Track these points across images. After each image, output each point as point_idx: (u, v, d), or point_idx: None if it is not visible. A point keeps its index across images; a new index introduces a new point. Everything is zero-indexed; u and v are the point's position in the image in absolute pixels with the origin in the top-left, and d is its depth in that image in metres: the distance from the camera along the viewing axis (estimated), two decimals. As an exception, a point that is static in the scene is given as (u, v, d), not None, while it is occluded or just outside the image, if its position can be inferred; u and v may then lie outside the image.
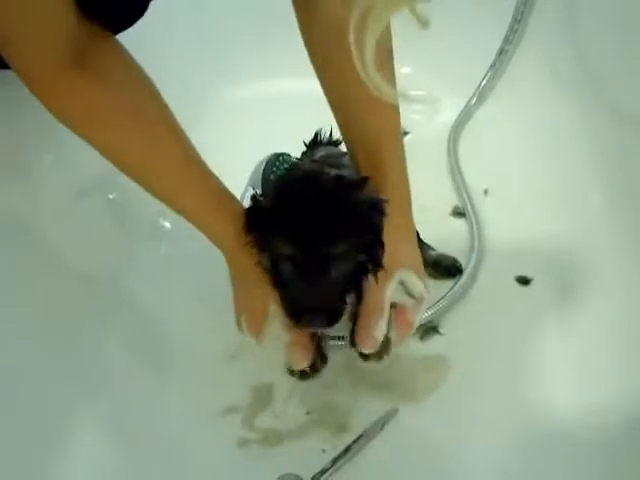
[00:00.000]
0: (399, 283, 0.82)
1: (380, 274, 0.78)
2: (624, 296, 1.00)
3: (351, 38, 0.55)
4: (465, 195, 1.21)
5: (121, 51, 0.76)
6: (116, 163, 0.77)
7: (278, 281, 0.78)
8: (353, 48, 0.56)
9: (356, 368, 0.96)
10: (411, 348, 0.99)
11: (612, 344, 0.97)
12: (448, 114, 1.39)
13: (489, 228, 1.16)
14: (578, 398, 0.91)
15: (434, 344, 1.01)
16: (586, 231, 1.11)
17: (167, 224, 1.19)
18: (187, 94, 1.26)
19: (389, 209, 0.77)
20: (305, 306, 0.76)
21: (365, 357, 0.86)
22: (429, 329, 1.02)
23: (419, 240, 0.99)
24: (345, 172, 0.82)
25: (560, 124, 1.28)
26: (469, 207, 1.19)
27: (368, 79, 0.59)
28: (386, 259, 0.78)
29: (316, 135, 1.05)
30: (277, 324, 0.80)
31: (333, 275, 0.74)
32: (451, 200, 1.23)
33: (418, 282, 0.83)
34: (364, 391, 0.96)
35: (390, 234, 0.78)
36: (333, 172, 0.77)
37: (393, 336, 0.84)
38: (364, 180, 0.76)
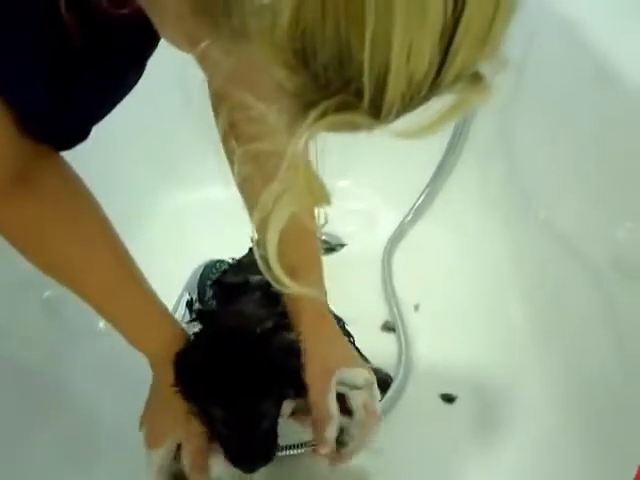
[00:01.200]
0: (341, 383, 0.85)
1: (318, 386, 0.83)
2: (541, 425, 1.03)
3: (254, 234, 0.54)
4: (396, 310, 1.24)
5: (62, 165, 0.77)
6: (51, 273, 0.78)
7: (213, 432, 0.82)
8: (254, 247, 0.55)
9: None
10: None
11: (531, 467, 0.99)
12: (385, 228, 1.43)
13: (418, 344, 1.19)
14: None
15: (359, 457, 1.02)
16: (510, 354, 1.15)
17: (101, 324, 1.18)
18: (130, 198, 1.29)
19: (308, 318, 0.83)
20: (243, 456, 0.81)
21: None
22: (354, 443, 1.03)
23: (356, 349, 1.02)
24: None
25: (491, 242, 1.34)
26: (399, 322, 1.22)
27: (272, 279, 0.55)
28: (319, 369, 0.83)
29: (250, 250, 1.08)
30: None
31: (263, 427, 0.79)
32: (382, 314, 1.26)
33: (357, 372, 0.86)
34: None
35: (316, 344, 0.83)
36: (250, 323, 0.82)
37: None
38: (278, 325, 0.82)
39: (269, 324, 0.82)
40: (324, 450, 0.84)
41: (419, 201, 1.45)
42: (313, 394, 0.84)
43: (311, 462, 0.97)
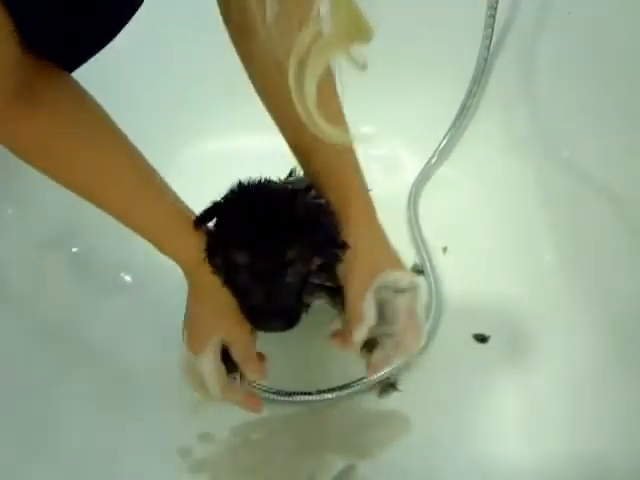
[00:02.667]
0: (385, 287, 0.85)
1: (357, 286, 0.83)
2: (577, 355, 1.03)
3: (291, 85, 0.56)
4: (424, 253, 1.23)
5: (69, 79, 0.75)
6: (69, 186, 0.77)
7: (236, 290, 0.81)
8: (294, 96, 0.57)
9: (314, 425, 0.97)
10: (369, 404, 1.00)
11: (565, 402, 0.99)
12: (409, 173, 1.41)
13: (447, 286, 1.18)
14: (533, 453, 0.93)
15: (392, 401, 1.02)
16: (541, 289, 1.15)
17: (128, 278, 1.19)
18: (151, 148, 1.28)
19: (356, 222, 0.83)
20: (265, 312, 0.79)
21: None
22: (387, 386, 1.03)
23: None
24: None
25: (515, 183, 1.32)
26: (428, 265, 1.21)
27: (313, 126, 0.59)
28: (362, 270, 0.83)
29: (291, 173, 1.06)
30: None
31: (288, 279, 0.77)
32: (410, 258, 1.25)
33: (402, 275, 0.86)
34: (322, 448, 0.96)
35: (361, 244, 0.83)
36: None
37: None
38: (309, 187, 0.81)
39: (302, 185, 0.82)
40: (348, 347, 0.86)
41: (442, 144, 1.42)
42: (351, 294, 0.85)
43: (345, 408, 0.98)
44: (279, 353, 0.93)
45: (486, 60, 1.36)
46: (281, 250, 0.75)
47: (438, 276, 1.20)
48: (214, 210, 0.80)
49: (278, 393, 1.00)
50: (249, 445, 0.96)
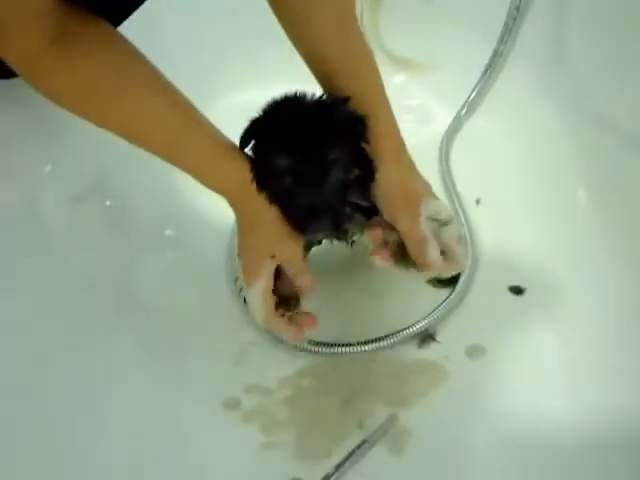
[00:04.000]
0: (429, 219, 0.88)
1: (408, 212, 0.86)
2: (615, 305, 1.03)
3: None
4: (458, 204, 1.23)
5: (107, 27, 0.76)
6: (112, 129, 0.79)
7: (282, 198, 0.84)
8: None
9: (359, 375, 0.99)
10: (409, 355, 1.02)
11: (604, 352, 0.99)
12: (440, 124, 1.40)
13: (482, 238, 1.18)
14: (572, 404, 0.94)
15: (431, 352, 1.03)
16: (575, 240, 1.14)
17: (170, 232, 1.20)
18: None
19: (388, 148, 0.87)
20: (312, 213, 0.83)
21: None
22: (426, 337, 1.04)
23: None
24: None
25: (546, 135, 1.31)
26: (462, 216, 1.21)
27: None
28: (404, 198, 0.86)
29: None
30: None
31: (332, 180, 0.80)
32: (444, 210, 1.25)
33: (442, 207, 0.90)
34: (368, 397, 0.97)
35: (399, 176, 0.87)
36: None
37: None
38: (346, 99, 0.82)
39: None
40: (433, 271, 0.88)
41: (472, 95, 1.41)
42: (403, 223, 0.87)
43: (386, 359, 1.00)
44: (324, 308, 0.96)
45: (518, 9, 1.35)
46: (323, 151, 0.79)
47: (472, 227, 1.20)
48: (254, 126, 0.82)
49: (322, 345, 1.01)
50: (298, 394, 0.98)
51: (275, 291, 0.90)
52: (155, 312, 1.08)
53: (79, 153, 1.13)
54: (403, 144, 0.91)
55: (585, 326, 1.02)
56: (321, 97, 0.82)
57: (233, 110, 1.38)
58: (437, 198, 0.92)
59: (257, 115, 0.81)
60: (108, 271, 1.09)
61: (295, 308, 0.92)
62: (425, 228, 0.86)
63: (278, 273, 0.90)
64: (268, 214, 0.85)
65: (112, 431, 0.92)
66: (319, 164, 0.80)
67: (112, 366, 0.98)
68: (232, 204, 0.87)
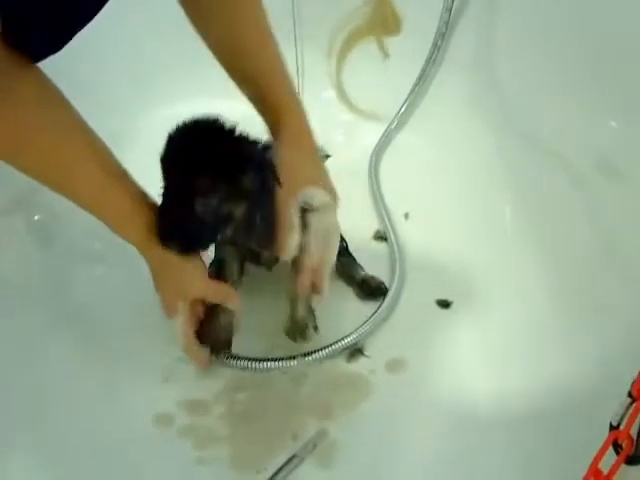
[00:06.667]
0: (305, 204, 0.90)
1: (284, 195, 0.88)
2: (538, 316, 1.06)
3: None
4: (386, 219, 1.25)
5: (39, 74, 0.76)
6: (37, 179, 0.81)
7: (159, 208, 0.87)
8: None
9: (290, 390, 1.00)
10: (339, 369, 1.03)
11: (527, 355, 1.01)
12: (369, 138, 1.43)
13: (410, 252, 1.20)
14: (494, 408, 0.96)
15: (359, 365, 1.05)
16: (500, 254, 1.17)
17: (99, 246, 1.19)
18: (119, 113, 1.29)
19: (286, 132, 0.90)
20: (172, 228, 0.85)
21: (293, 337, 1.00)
22: (354, 351, 1.05)
23: (350, 255, 1.14)
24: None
25: (474, 149, 1.35)
26: (390, 231, 1.22)
27: None
28: (288, 182, 0.87)
29: None
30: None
31: (197, 208, 0.82)
32: (373, 223, 1.27)
33: (317, 193, 0.91)
34: (300, 410, 0.98)
35: (292, 157, 0.89)
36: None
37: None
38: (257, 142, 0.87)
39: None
40: (282, 252, 0.91)
41: (402, 110, 1.43)
42: (281, 203, 0.89)
43: (316, 374, 1.01)
44: (254, 323, 1.00)
45: (447, 24, 1.38)
46: (193, 177, 0.81)
47: (400, 242, 1.21)
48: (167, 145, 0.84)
49: (253, 360, 1.01)
50: (231, 409, 0.98)
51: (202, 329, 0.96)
52: (85, 326, 1.07)
53: (6, 166, 1.10)
54: (308, 130, 0.94)
55: (509, 332, 1.05)
56: (232, 131, 0.85)
57: (175, 120, 1.40)
58: (322, 187, 0.93)
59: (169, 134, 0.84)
60: (39, 283, 1.09)
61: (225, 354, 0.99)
62: (293, 213, 0.89)
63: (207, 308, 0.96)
64: (170, 256, 0.87)
65: (41, 444, 0.91)
66: (184, 190, 0.82)
67: (43, 378, 0.97)
68: (142, 251, 0.89)
